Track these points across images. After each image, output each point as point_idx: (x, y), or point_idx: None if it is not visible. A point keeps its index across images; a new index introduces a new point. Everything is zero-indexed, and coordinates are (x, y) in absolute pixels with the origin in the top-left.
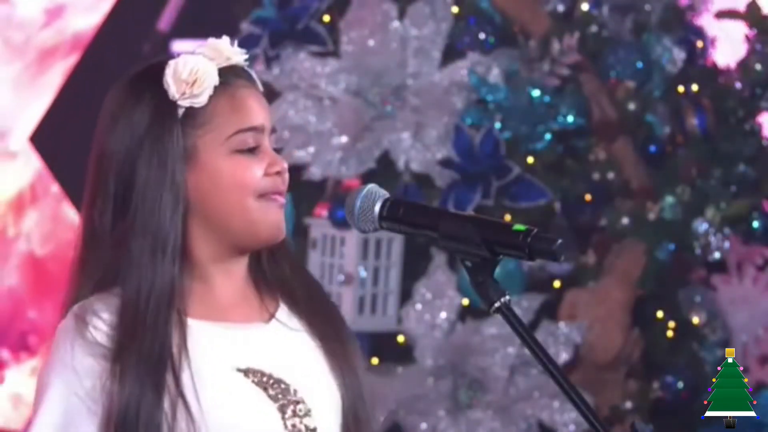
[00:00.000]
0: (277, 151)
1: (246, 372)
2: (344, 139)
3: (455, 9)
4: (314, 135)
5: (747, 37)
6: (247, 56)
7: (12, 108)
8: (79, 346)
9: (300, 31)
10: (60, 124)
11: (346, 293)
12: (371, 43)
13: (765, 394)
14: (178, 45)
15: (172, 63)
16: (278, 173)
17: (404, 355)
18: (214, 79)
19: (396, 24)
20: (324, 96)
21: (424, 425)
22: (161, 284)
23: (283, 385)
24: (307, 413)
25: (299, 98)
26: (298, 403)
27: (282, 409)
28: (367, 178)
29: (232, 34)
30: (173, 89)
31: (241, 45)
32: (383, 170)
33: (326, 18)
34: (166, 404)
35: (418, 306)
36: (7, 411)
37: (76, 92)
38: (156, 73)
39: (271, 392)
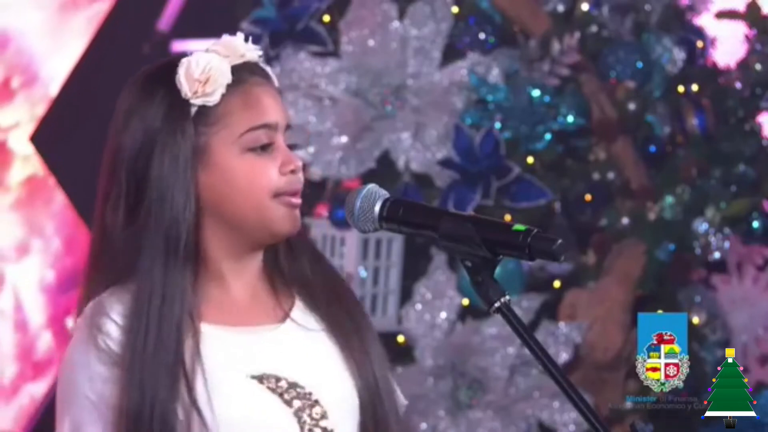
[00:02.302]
0: (293, 147)
1: (260, 378)
2: (344, 139)
3: (455, 9)
4: (314, 135)
5: (747, 37)
6: (261, 53)
7: (41, 55)
8: (93, 353)
9: (300, 31)
10: (60, 124)
11: None
12: (371, 43)
13: (765, 394)
14: (178, 45)
15: (185, 61)
16: (293, 171)
17: (404, 355)
18: (227, 78)
19: (396, 24)
20: (324, 96)
21: (424, 425)
22: (173, 286)
23: (298, 389)
24: (324, 415)
25: (299, 98)
26: (314, 405)
27: (298, 414)
28: (367, 178)
29: (232, 34)
30: (186, 88)
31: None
32: (383, 170)
33: (326, 18)
34: (181, 414)
35: (418, 306)
36: None
37: (76, 92)
38: (169, 71)
39: (286, 397)
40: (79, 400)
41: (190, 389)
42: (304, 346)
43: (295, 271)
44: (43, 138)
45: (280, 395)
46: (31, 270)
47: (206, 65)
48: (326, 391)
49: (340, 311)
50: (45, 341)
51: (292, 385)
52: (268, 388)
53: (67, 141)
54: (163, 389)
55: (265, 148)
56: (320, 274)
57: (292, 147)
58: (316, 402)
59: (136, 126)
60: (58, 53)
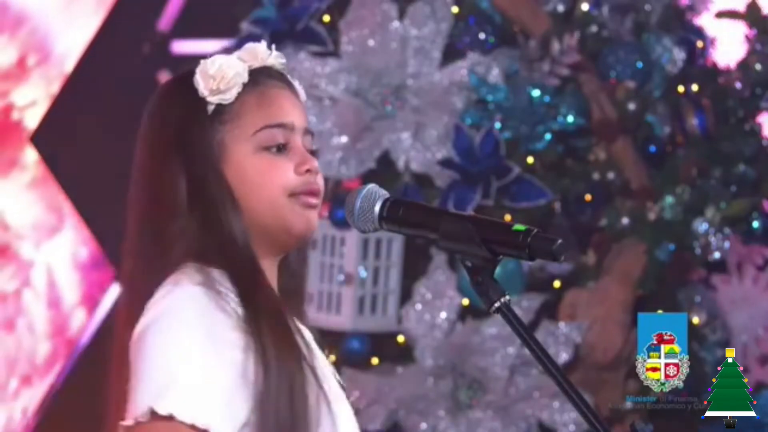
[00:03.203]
0: (315, 152)
1: (330, 370)
2: (344, 139)
3: (455, 9)
4: (314, 135)
5: (747, 37)
6: (284, 61)
7: (56, 33)
8: (221, 318)
9: (300, 31)
10: (60, 124)
11: (346, 293)
12: (371, 43)
13: (765, 394)
14: (178, 45)
15: (203, 62)
16: (308, 171)
17: (404, 355)
18: (243, 77)
19: (396, 24)
20: (324, 96)
21: (424, 425)
22: (255, 262)
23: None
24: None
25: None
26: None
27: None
28: (367, 178)
29: (232, 34)
30: (202, 86)
31: (241, 45)
32: (383, 170)
33: (326, 18)
34: (312, 399)
35: (418, 306)
36: None
37: (76, 92)
38: (188, 74)
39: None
40: (225, 372)
41: (314, 373)
42: (317, 350)
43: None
44: (43, 138)
45: (341, 386)
46: (63, 247)
47: (222, 64)
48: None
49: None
50: (78, 318)
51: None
52: (336, 380)
53: (67, 141)
54: (296, 369)
55: (281, 148)
56: (302, 288)
57: (312, 153)
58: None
59: (157, 128)
60: (71, 30)
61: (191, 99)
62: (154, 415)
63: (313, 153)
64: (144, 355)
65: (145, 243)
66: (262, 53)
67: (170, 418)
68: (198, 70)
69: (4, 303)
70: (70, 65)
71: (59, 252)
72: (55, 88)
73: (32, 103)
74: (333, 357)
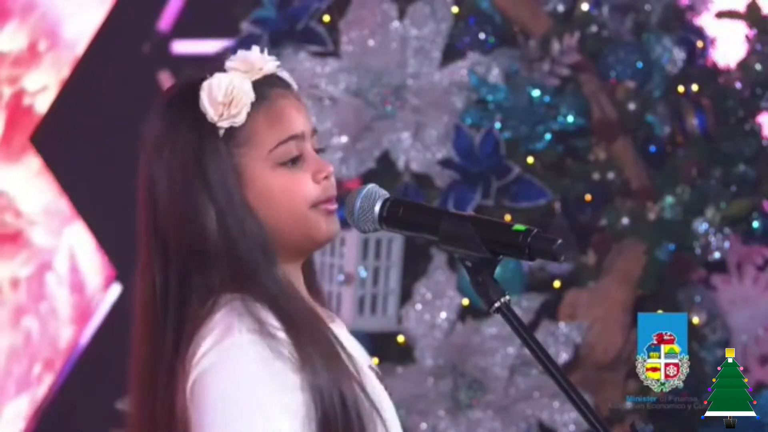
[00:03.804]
0: (320, 151)
1: (372, 369)
2: (344, 139)
3: (455, 9)
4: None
5: (747, 37)
6: (278, 63)
7: (65, 17)
8: (280, 367)
9: (300, 31)
10: (61, 124)
11: (346, 293)
12: (371, 43)
13: (765, 394)
14: (178, 45)
15: (206, 85)
16: (326, 178)
17: (404, 355)
18: (250, 96)
19: (396, 24)
20: (324, 96)
21: (424, 425)
22: (286, 282)
23: (378, 375)
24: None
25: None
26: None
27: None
28: (367, 178)
29: (232, 34)
30: (211, 112)
31: (241, 45)
32: (383, 170)
33: (326, 18)
34: (366, 408)
35: (418, 306)
36: None
37: (77, 92)
38: (191, 95)
39: (383, 384)
40: (273, 413)
41: (360, 383)
42: (355, 341)
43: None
44: (43, 138)
45: (382, 383)
46: (85, 231)
47: (228, 86)
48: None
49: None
50: (101, 302)
51: (377, 372)
52: (377, 377)
53: (68, 141)
54: (346, 386)
55: (295, 160)
56: (320, 283)
57: (319, 151)
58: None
59: (168, 157)
60: (81, 14)
61: (201, 125)
62: None
63: (320, 150)
64: (213, 410)
65: (181, 269)
66: (258, 62)
67: None
68: (204, 95)
69: (16, 289)
70: (80, 49)
71: (81, 236)
72: (66, 72)
73: (43, 88)
74: None
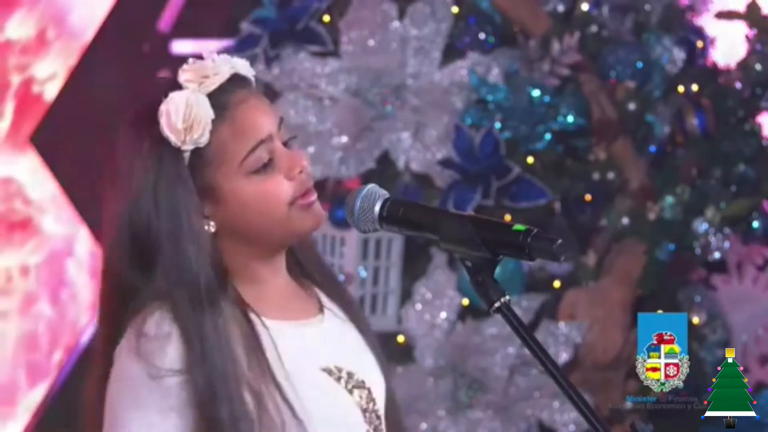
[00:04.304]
0: (290, 141)
1: (329, 371)
2: (344, 139)
3: (455, 9)
4: (314, 135)
5: (747, 37)
6: (233, 61)
7: (73, 4)
8: (157, 398)
9: (300, 31)
10: (61, 124)
11: None
12: (371, 43)
13: (765, 394)
14: (178, 45)
15: (164, 111)
16: (300, 172)
17: (404, 355)
18: (210, 114)
19: (396, 24)
20: (324, 96)
21: (424, 425)
22: (212, 324)
23: (355, 378)
24: (375, 401)
25: (299, 98)
26: (369, 393)
27: (359, 403)
28: (367, 178)
29: (232, 34)
30: (173, 138)
31: (241, 45)
32: (383, 170)
33: (326, 18)
34: (273, 411)
35: (418, 306)
36: None
37: (77, 92)
38: (152, 118)
39: (348, 387)
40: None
41: (278, 385)
42: (344, 335)
43: (309, 264)
44: (43, 138)
45: (345, 386)
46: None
47: (185, 110)
48: (371, 377)
49: (349, 302)
50: None
51: (350, 375)
52: (336, 379)
53: (68, 141)
54: (228, 389)
55: (267, 165)
56: (325, 267)
57: (289, 141)
58: (369, 389)
59: (134, 179)
60: (89, 2)
61: (161, 151)
62: None
63: (291, 139)
64: (108, 401)
65: (132, 277)
66: (210, 70)
67: None
68: (164, 123)
69: (26, 276)
70: (88, 36)
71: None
72: (74, 61)
73: (52, 76)
74: None
